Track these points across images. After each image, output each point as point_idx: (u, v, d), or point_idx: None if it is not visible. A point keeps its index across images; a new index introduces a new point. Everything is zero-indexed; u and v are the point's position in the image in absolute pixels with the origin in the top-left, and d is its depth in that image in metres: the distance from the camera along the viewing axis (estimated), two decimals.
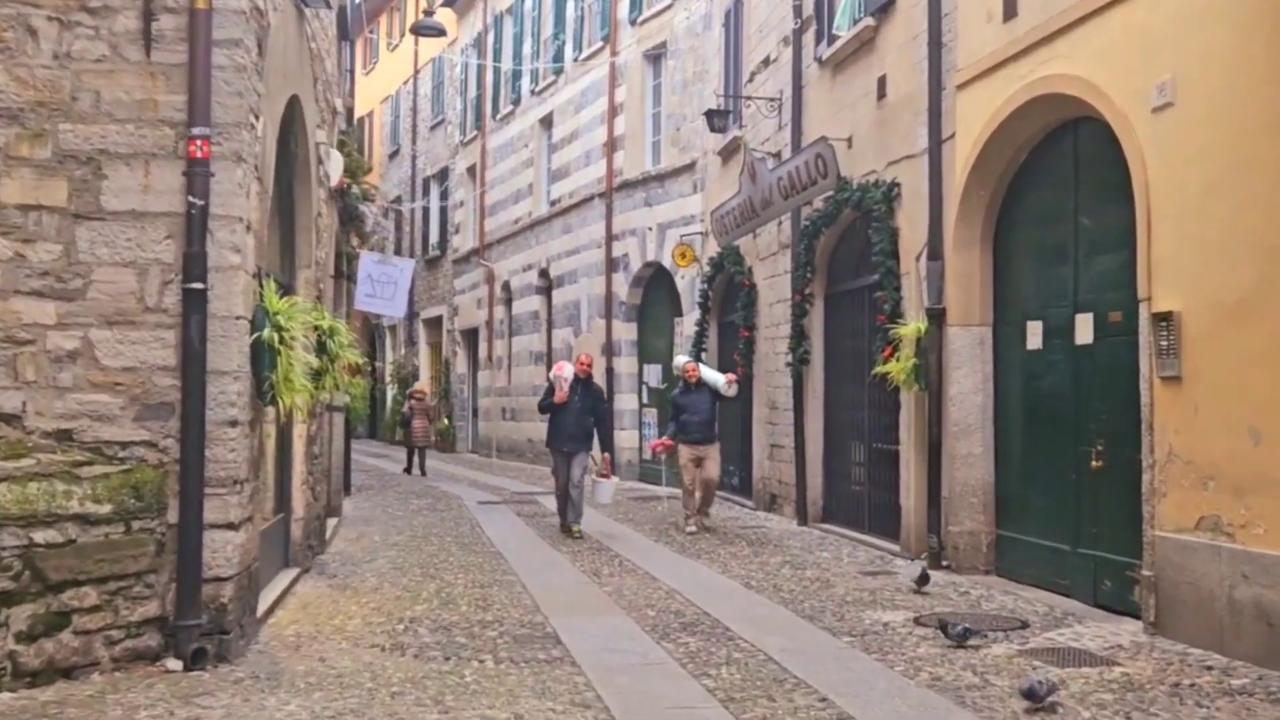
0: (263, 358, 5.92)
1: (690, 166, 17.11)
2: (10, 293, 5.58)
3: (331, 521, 11.68)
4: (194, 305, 5.52)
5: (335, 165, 9.67)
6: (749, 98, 13.61)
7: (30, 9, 5.56)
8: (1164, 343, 6.63)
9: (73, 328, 5.59)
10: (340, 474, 13.47)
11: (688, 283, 17.15)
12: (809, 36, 12.43)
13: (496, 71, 25.58)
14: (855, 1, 11.42)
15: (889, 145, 10.36)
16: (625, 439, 19.21)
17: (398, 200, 31.20)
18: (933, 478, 9.27)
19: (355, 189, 11.04)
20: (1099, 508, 7.70)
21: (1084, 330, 7.84)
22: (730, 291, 15.52)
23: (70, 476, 5.31)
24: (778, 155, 13.22)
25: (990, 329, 9.00)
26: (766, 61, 13.92)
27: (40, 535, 5.10)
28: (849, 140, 11.21)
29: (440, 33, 16.61)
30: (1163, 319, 6.63)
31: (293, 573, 8.24)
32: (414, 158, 31.06)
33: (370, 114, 33.26)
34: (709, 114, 14.22)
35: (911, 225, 9.87)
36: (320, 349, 8.64)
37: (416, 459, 20.50)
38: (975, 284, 9.01)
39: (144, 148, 5.62)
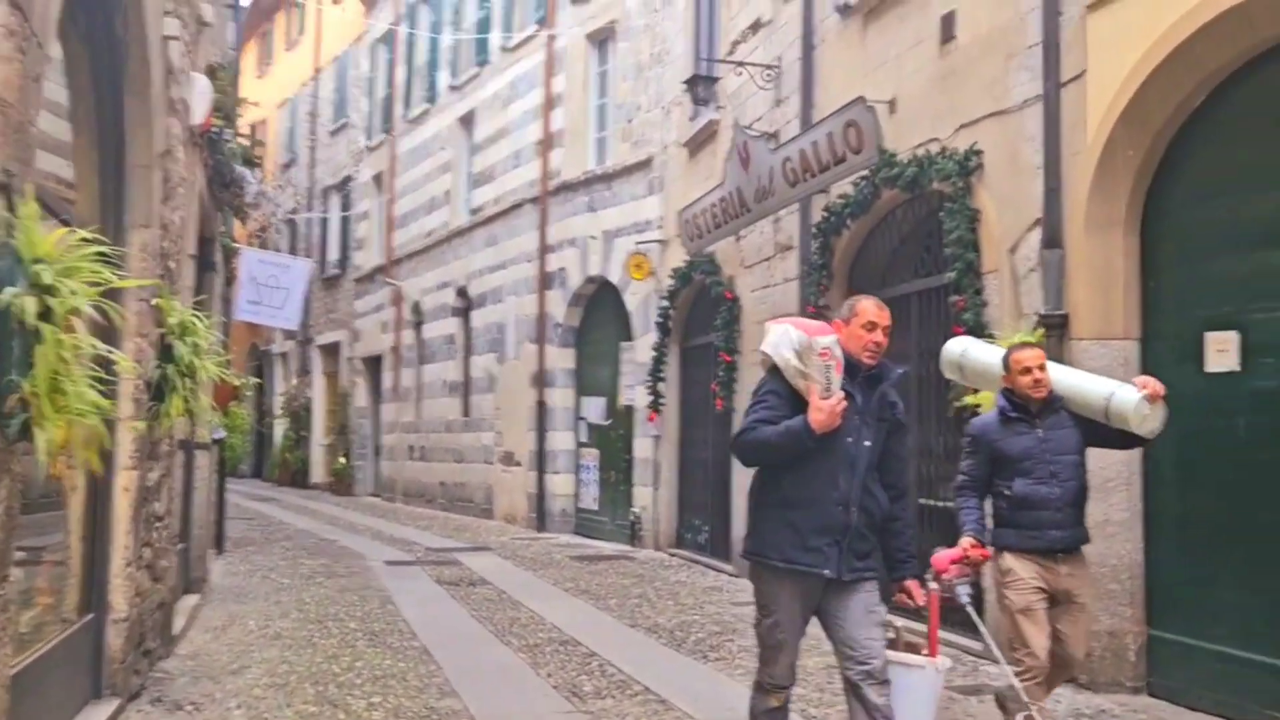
0: (4, 344, 2.99)
1: (645, 164, 14.42)
2: None
3: (189, 601, 8.58)
4: None
5: (201, 95, 6.74)
6: (740, 63, 10.94)
7: None
8: None
9: None
10: (207, 532, 10.34)
11: (641, 300, 14.40)
12: None
13: (410, 68, 22.67)
14: None
15: (961, 103, 7.75)
16: (558, 485, 16.31)
17: (293, 213, 27.93)
18: None
19: (232, 141, 8.08)
20: None
21: None
22: (701, 308, 12.81)
23: None
24: (774, 136, 10.58)
25: (1139, 344, 6.38)
26: (756, 26, 11.30)
27: None
28: (891, 104, 8.60)
29: None
30: None
31: (108, 707, 5.20)
32: (312, 167, 27.86)
33: (264, 121, 29.99)
34: (692, 81, 11.53)
35: (1002, 206, 7.25)
36: (165, 355, 5.68)
37: None
38: (1118, 281, 6.39)
39: None
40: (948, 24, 7.96)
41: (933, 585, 4.53)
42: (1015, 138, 7.13)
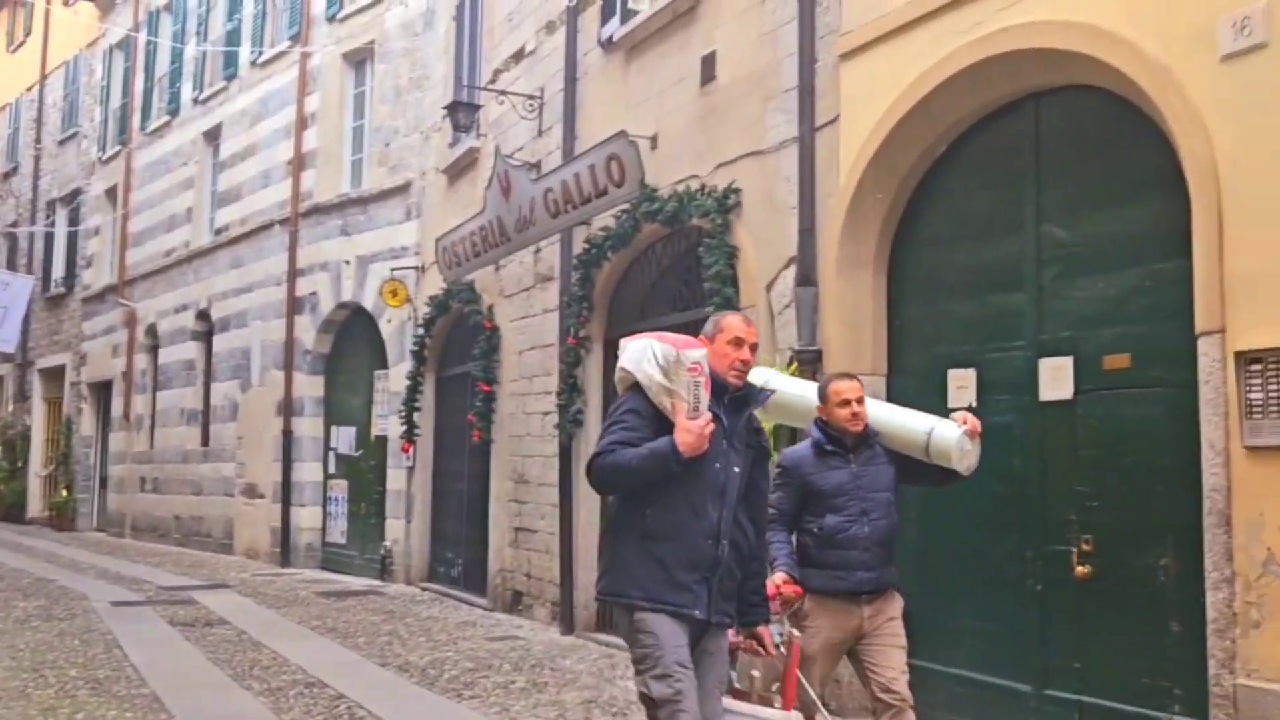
0: None
1: (403, 189, 14.13)
2: None
3: None
4: None
5: None
6: (503, 92, 10.89)
7: None
8: (1254, 396, 4.46)
9: None
10: None
11: (396, 328, 14.06)
12: (590, 15, 9.91)
13: (149, 76, 21.45)
14: None
15: (720, 142, 7.95)
16: (305, 518, 15.65)
17: (13, 225, 25.89)
18: None
19: None
20: (1084, 633, 5.45)
21: (1057, 381, 5.63)
22: (459, 337, 12.61)
23: None
24: (536, 166, 10.56)
25: (885, 379, 6.66)
26: (519, 55, 11.29)
27: None
28: (653, 139, 8.74)
29: None
30: (1254, 360, 4.47)
31: None
32: (37, 177, 25.90)
33: None
34: (453, 107, 11.34)
35: (759, 243, 7.46)
36: None
37: None
38: (867, 318, 6.67)
39: None
40: (709, 64, 8.16)
41: (793, 631, 4.34)
42: (772, 178, 7.36)
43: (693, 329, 8.14)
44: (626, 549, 3.78)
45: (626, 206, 8.76)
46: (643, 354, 3.76)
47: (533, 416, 10.57)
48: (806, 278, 6.87)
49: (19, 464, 24.62)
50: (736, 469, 3.81)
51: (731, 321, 3.93)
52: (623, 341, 3.96)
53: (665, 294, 9.06)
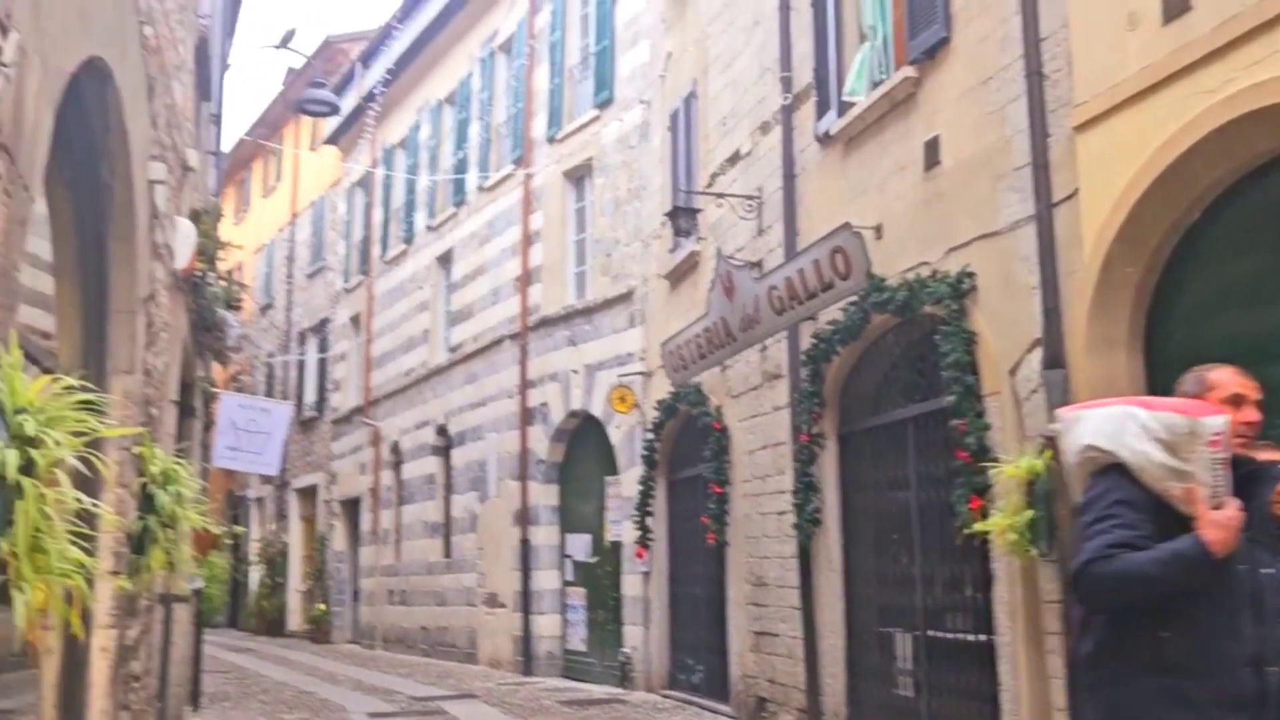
0: None
1: (626, 297, 14.40)
2: None
3: None
4: None
5: (184, 239, 6.62)
6: (721, 195, 11.00)
7: None
8: None
9: None
10: (183, 688, 9.89)
11: (625, 434, 14.22)
12: (804, 112, 9.94)
13: (386, 209, 22.83)
14: (876, 57, 8.98)
15: (949, 226, 7.74)
16: (545, 626, 15.85)
17: (271, 355, 27.82)
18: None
19: (214, 285, 7.95)
20: None
21: None
22: (688, 440, 12.63)
23: None
24: (758, 265, 10.56)
25: None
26: (735, 158, 11.41)
27: None
28: (877, 229, 8.60)
29: (332, 109, 13.67)
30: None
31: None
32: (289, 310, 27.83)
33: (240, 266, 30.07)
34: (672, 213, 11.56)
35: (998, 327, 7.18)
36: (147, 505, 5.44)
37: None
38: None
39: None
40: (931, 149, 8.01)
41: None
42: (1008, 259, 7.10)
43: (931, 420, 7.97)
44: (1136, 687, 2.94)
45: (854, 298, 8.62)
46: (1122, 426, 3.02)
47: (768, 517, 10.41)
48: (1054, 360, 6.54)
49: (279, 580, 26.03)
50: (1269, 569, 2.99)
51: (1222, 376, 3.14)
52: (1067, 413, 3.30)
53: (899, 385, 8.82)
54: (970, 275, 7.43)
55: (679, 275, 12.76)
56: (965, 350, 7.37)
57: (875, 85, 8.80)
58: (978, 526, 6.72)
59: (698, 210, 11.78)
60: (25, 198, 3.30)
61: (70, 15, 3.69)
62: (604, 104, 15.35)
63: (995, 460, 6.82)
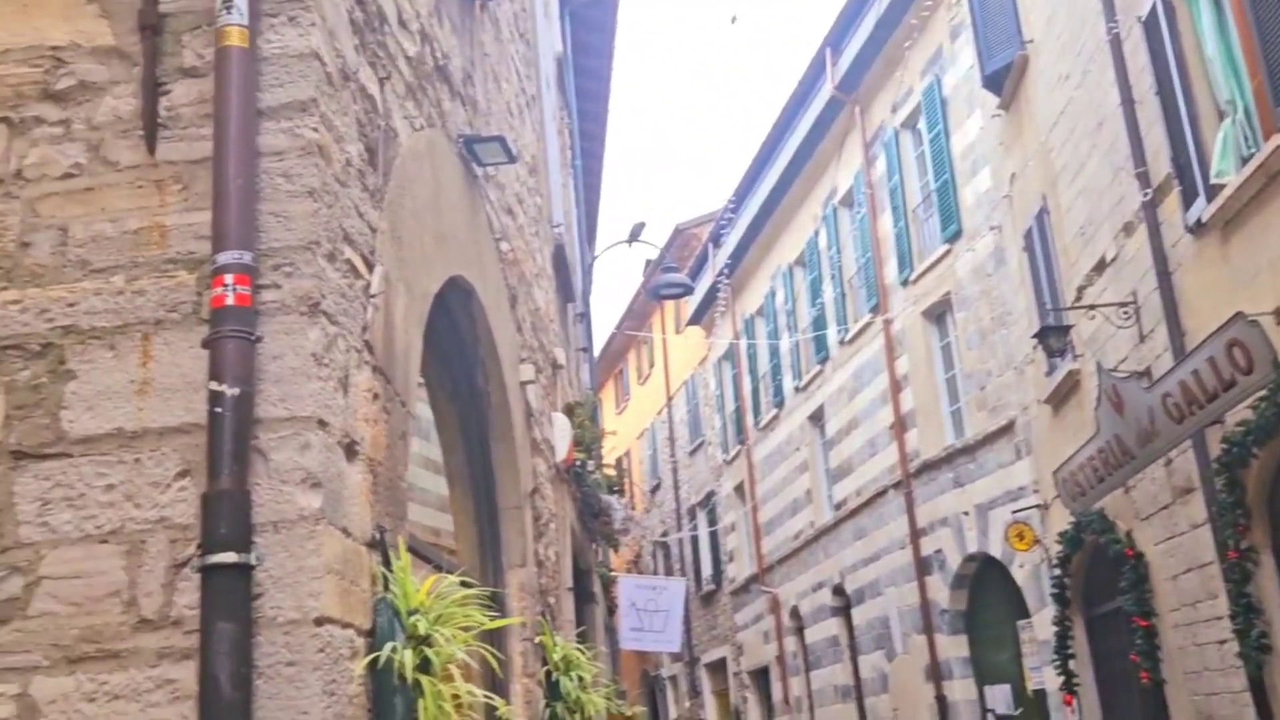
0: (386, 702, 2.92)
1: (1007, 429, 13.75)
2: None
3: None
4: (223, 602, 2.65)
5: (561, 434, 7.00)
6: (1091, 307, 10.39)
7: None
8: None
9: (0, 677, 2.79)
10: None
11: (1030, 573, 13.36)
12: (1169, 205, 9.28)
13: (754, 378, 23.33)
14: (1239, 131, 8.29)
15: None
16: None
17: (664, 535, 28.69)
18: None
19: (595, 473, 8.31)
20: None
21: None
22: (1100, 571, 11.65)
23: None
24: (1145, 374, 9.79)
25: None
26: (1100, 266, 10.77)
27: None
28: (1276, 313, 7.75)
29: (686, 289, 14.23)
30: None
31: None
32: (676, 488, 28.73)
33: (628, 453, 31.59)
34: (1042, 334, 11.00)
35: None
36: (553, 693, 5.62)
37: None
38: None
39: (141, 313, 2.99)
40: None
41: None
42: None
43: None
44: None
45: (1262, 393, 7.76)
46: None
47: (1207, 647, 9.32)
48: None
49: None
50: None
51: None
52: None
53: None
54: None
55: (1060, 398, 12.06)
56: None
57: (1245, 161, 8.10)
58: None
59: (1069, 327, 11.17)
60: (403, 413, 3.59)
61: (428, 243, 4.07)
62: (953, 237, 15.09)
63: None
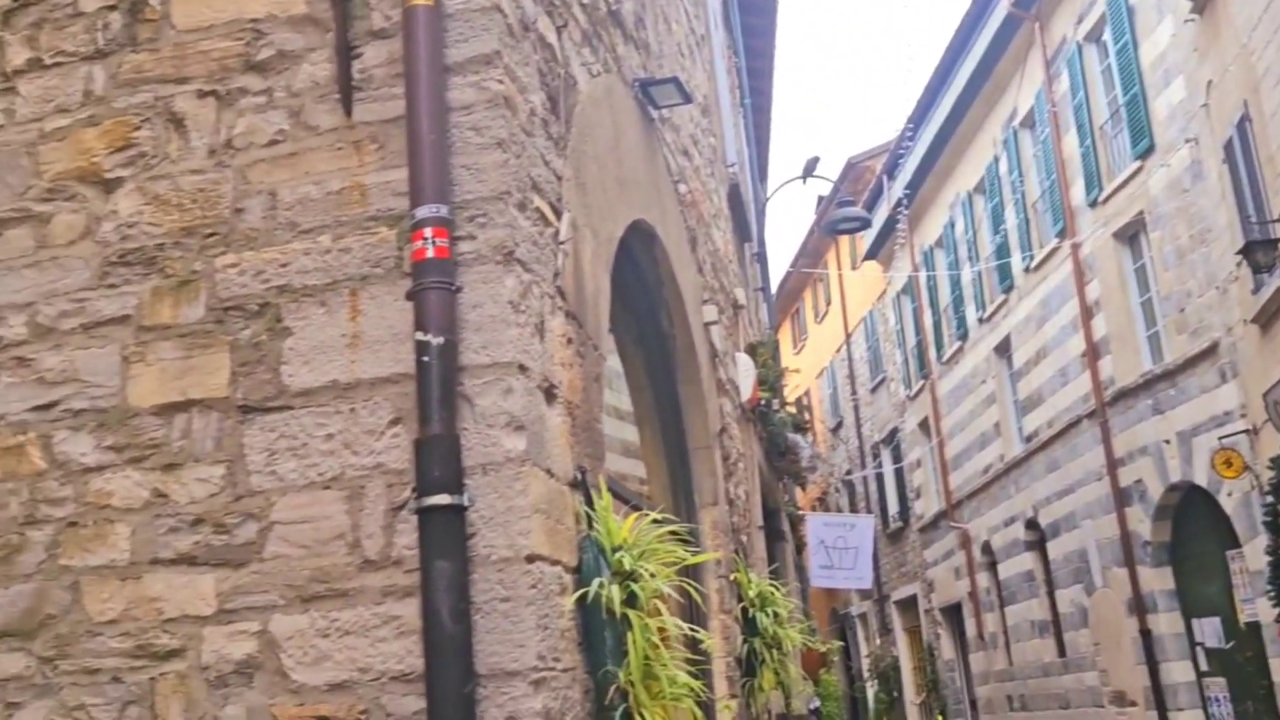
0: (596, 635, 3.02)
1: (1210, 351, 13.07)
2: (145, 563, 3.12)
3: None
4: (440, 542, 2.78)
5: (745, 374, 7.02)
6: None
7: (173, 87, 3.37)
8: None
9: (242, 616, 3.00)
10: None
11: (1239, 500, 12.73)
12: None
13: (935, 311, 22.80)
14: None
15: None
16: None
17: (848, 473, 28.49)
18: None
19: (779, 412, 8.31)
20: None
21: None
22: None
23: None
24: None
25: None
26: None
27: None
28: None
29: (863, 223, 13.95)
30: None
31: None
32: (858, 426, 28.43)
33: (807, 392, 31.39)
34: (1246, 250, 10.42)
35: None
36: (750, 628, 5.70)
37: None
38: None
39: (348, 270, 3.13)
40: None
41: None
42: None
43: None
44: None
45: None
46: None
47: None
48: None
49: (894, 694, 26.02)
50: None
51: None
52: None
53: None
54: None
55: (1269, 316, 11.39)
56: None
57: None
58: None
59: (1277, 240, 10.52)
60: (596, 356, 3.67)
61: (611, 188, 4.12)
62: (1145, 153, 14.34)
63: None
